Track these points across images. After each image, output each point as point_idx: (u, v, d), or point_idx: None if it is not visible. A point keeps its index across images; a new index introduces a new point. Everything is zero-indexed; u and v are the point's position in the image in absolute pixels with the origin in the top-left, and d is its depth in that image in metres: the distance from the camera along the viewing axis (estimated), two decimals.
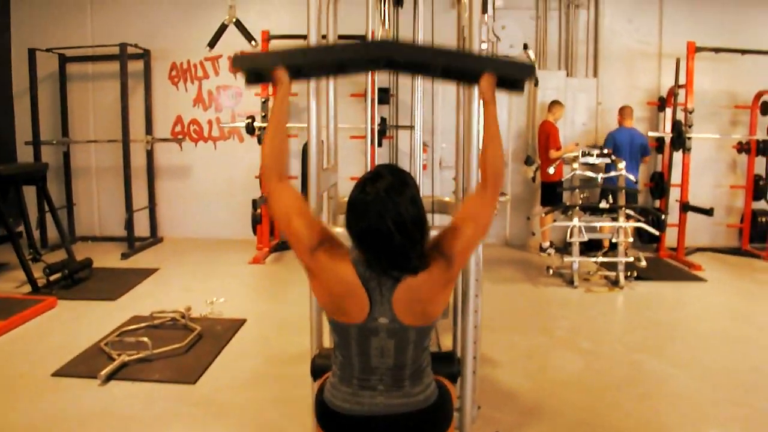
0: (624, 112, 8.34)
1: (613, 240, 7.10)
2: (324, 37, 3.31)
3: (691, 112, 7.95)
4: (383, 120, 8.01)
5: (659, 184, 8.79)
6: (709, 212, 7.88)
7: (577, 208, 7.14)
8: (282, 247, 8.62)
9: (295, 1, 8.77)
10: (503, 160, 2.26)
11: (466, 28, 2.91)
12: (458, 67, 2.39)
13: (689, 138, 7.98)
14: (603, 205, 7.11)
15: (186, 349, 4.97)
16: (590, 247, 7.64)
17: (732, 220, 9.28)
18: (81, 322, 5.71)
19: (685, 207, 8.28)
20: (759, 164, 8.70)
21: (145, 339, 4.83)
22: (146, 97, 9.26)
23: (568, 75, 9.11)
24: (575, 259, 7.06)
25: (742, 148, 8.72)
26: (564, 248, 7.81)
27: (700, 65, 8.25)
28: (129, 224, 8.59)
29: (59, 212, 7.68)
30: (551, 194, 8.10)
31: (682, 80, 8.19)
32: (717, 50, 8.20)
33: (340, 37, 3.88)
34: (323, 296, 2.12)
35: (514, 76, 2.36)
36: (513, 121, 9.17)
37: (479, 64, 2.35)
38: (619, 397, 4.26)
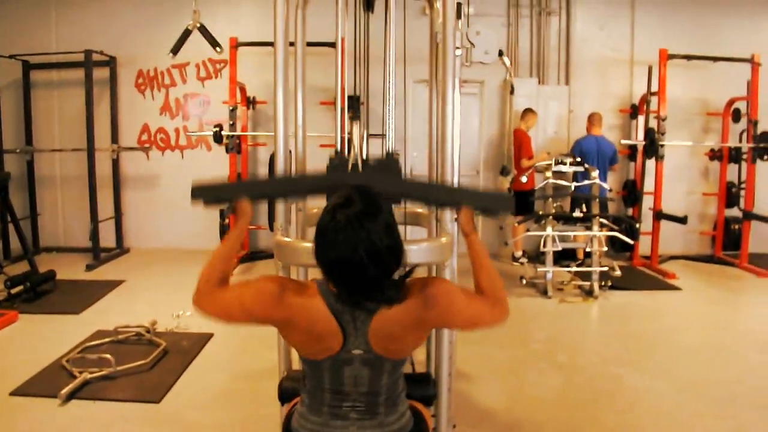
0: (592, 119, 8.28)
1: (587, 249, 7.04)
2: (292, 44, 3.18)
3: (663, 120, 7.92)
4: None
5: (632, 192, 8.76)
6: (682, 220, 7.84)
7: (551, 217, 7.06)
8: (251, 257, 8.48)
9: (264, 7, 8.64)
10: (502, 285, 2.10)
11: (440, 34, 2.81)
12: (434, 200, 2.28)
13: (662, 145, 7.95)
14: (577, 213, 7.05)
15: (151, 365, 4.80)
16: (563, 257, 7.57)
17: (705, 227, 9.28)
18: (43, 338, 5.52)
19: (659, 215, 8.25)
20: (731, 171, 8.72)
21: (108, 356, 4.65)
22: (112, 105, 9.08)
23: (540, 82, 9.05)
24: (549, 269, 6.98)
25: (714, 155, 8.73)
26: (537, 257, 7.73)
27: (672, 72, 8.22)
28: (94, 235, 8.37)
29: (23, 222, 7.48)
30: (524, 203, 8.02)
31: (654, 87, 8.18)
32: (689, 57, 8.19)
33: (309, 44, 3.76)
34: (298, 341, 1.97)
35: (491, 208, 2.26)
36: (485, 129, 9.12)
37: (455, 199, 2.23)
38: (598, 412, 4.16)
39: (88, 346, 5.17)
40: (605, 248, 7.11)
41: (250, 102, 8.74)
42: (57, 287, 6.99)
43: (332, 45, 5.27)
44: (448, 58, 2.70)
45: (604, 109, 8.70)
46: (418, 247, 2.60)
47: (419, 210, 3.99)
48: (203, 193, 2.19)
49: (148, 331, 5.44)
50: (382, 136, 3.92)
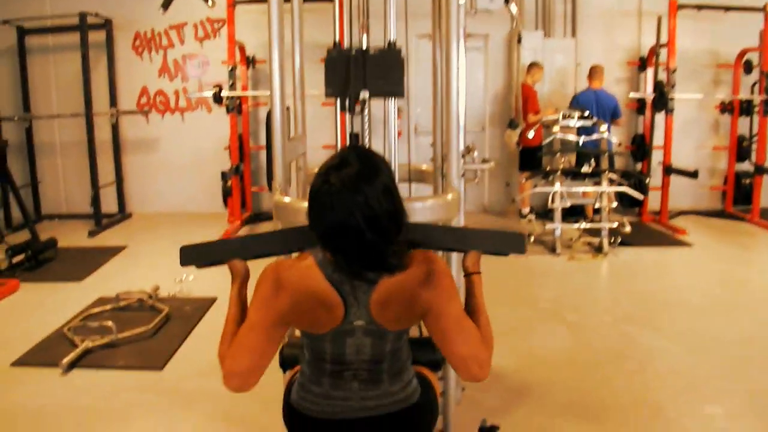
0: (593, 72, 7.99)
1: (596, 205, 6.92)
2: (288, 0, 3.03)
3: (673, 72, 7.74)
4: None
5: (641, 147, 8.61)
6: (693, 175, 7.69)
7: (559, 173, 6.92)
8: (254, 219, 8.40)
9: None
10: (492, 335, 1.93)
11: None
12: (440, 245, 2.09)
13: (672, 99, 7.77)
14: (585, 169, 6.92)
15: (153, 332, 4.74)
16: (571, 213, 7.45)
17: (715, 182, 9.14)
18: (44, 306, 5.45)
19: (669, 170, 8.11)
20: (742, 124, 8.56)
21: (110, 323, 4.57)
22: (109, 69, 8.95)
23: (545, 35, 8.85)
24: (557, 226, 6.87)
25: (725, 108, 8.57)
26: (545, 214, 7.62)
27: (682, 24, 8.00)
28: (95, 201, 8.31)
29: (23, 190, 7.41)
30: (531, 159, 7.90)
31: (663, 39, 7.97)
32: (699, 7, 8.00)
33: None
34: (298, 320, 1.83)
35: (502, 251, 2.08)
36: (490, 83, 8.97)
37: (464, 245, 2.05)
38: (608, 373, 4.07)
39: (89, 314, 5.11)
40: (615, 204, 6.99)
41: (249, 61, 8.59)
42: (58, 255, 6.92)
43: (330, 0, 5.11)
44: (451, 6, 2.59)
45: (611, 61, 8.53)
46: (423, 205, 2.50)
47: (423, 167, 3.87)
48: (193, 258, 2.10)
49: (150, 297, 5.38)
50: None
